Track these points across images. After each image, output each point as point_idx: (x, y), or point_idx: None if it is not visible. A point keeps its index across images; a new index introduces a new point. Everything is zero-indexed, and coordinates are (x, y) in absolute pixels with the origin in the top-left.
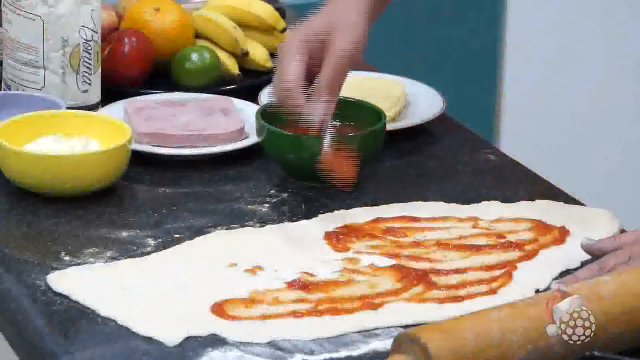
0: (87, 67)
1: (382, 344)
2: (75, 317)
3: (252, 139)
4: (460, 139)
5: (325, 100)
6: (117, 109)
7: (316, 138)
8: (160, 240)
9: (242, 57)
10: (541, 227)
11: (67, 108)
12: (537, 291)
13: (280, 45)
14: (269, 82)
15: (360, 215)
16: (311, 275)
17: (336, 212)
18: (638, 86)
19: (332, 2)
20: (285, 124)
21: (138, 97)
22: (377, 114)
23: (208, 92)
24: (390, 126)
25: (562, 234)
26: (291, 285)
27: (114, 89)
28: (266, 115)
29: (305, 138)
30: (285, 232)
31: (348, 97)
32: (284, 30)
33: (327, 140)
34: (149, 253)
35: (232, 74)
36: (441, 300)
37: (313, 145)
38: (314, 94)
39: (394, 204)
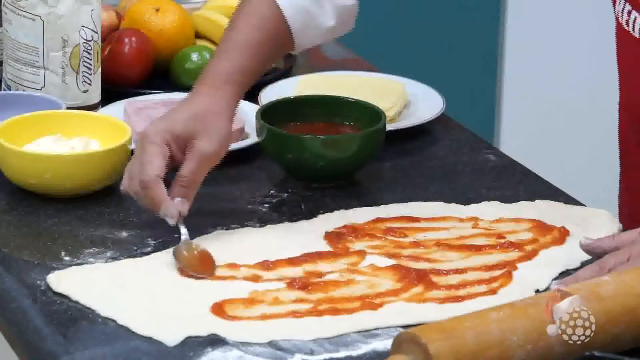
0: (87, 67)
1: (382, 344)
2: (75, 317)
3: (252, 139)
4: (460, 139)
5: (183, 195)
6: (117, 109)
7: (317, 138)
8: (160, 240)
9: None
10: (541, 227)
11: (67, 108)
12: (537, 291)
13: (143, 134)
14: (269, 82)
15: (360, 215)
16: (311, 275)
17: (336, 212)
18: None
19: (195, 102)
20: (285, 124)
21: (138, 97)
22: (377, 114)
23: None
24: (390, 126)
25: (562, 234)
26: (291, 285)
27: (114, 89)
28: (266, 115)
29: (305, 138)
30: (285, 232)
31: (348, 97)
32: None
33: (183, 233)
34: (149, 253)
35: None
36: (441, 300)
37: (313, 146)
38: (172, 189)
39: (394, 204)
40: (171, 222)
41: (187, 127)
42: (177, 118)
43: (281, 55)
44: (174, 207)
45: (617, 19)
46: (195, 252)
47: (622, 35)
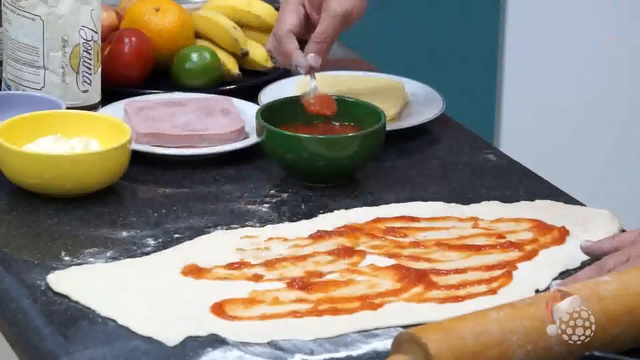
0: (87, 67)
1: (382, 344)
2: (75, 317)
3: (252, 139)
4: (460, 139)
5: (316, 51)
6: (117, 109)
7: (316, 138)
8: (160, 240)
9: (242, 57)
10: (541, 227)
11: (67, 108)
12: (537, 291)
13: None
14: (269, 82)
15: (360, 215)
16: (311, 275)
17: (336, 212)
18: (638, 86)
19: None
20: (285, 124)
21: (138, 97)
22: (377, 114)
23: (208, 92)
24: (390, 126)
25: (562, 234)
26: (291, 285)
27: (114, 89)
28: (266, 115)
29: (305, 138)
30: (285, 232)
31: (348, 97)
32: None
33: (312, 85)
34: (149, 253)
35: (232, 74)
36: (441, 300)
37: (313, 145)
38: (307, 46)
39: (394, 204)
40: (302, 71)
41: None
42: None
43: None
44: (303, 58)
45: None
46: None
47: None
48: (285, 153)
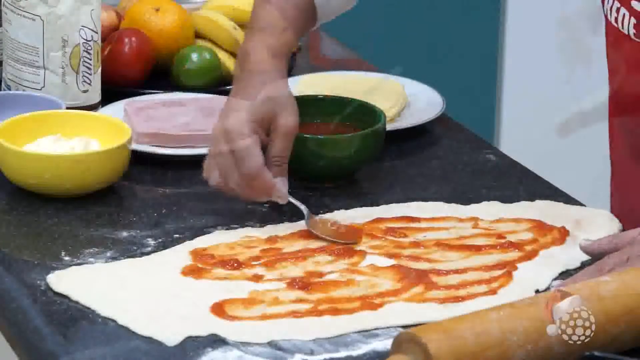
0: (87, 67)
1: (382, 344)
2: (75, 317)
3: None
4: (460, 139)
5: (281, 174)
6: (117, 109)
7: (316, 138)
8: (160, 240)
9: None
10: (541, 227)
11: (67, 108)
12: (537, 291)
13: (225, 130)
14: None
15: (360, 215)
16: (311, 275)
17: (336, 212)
18: None
19: (258, 81)
20: None
21: (138, 97)
22: (377, 114)
23: (208, 92)
24: (390, 126)
25: (562, 234)
26: (291, 285)
27: (114, 89)
28: None
29: (304, 138)
30: (285, 232)
31: (348, 97)
32: None
33: (303, 208)
34: (149, 253)
35: (232, 74)
36: (441, 300)
37: (312, 145)
38: (271, 168)
39: (394, 204)
40: (282, 201)
41: (268, 109)
42: (255, 104)
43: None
44: (284, 187)
45: (605, 17)
46: (333, 226)
47: (611, 31)
48: None
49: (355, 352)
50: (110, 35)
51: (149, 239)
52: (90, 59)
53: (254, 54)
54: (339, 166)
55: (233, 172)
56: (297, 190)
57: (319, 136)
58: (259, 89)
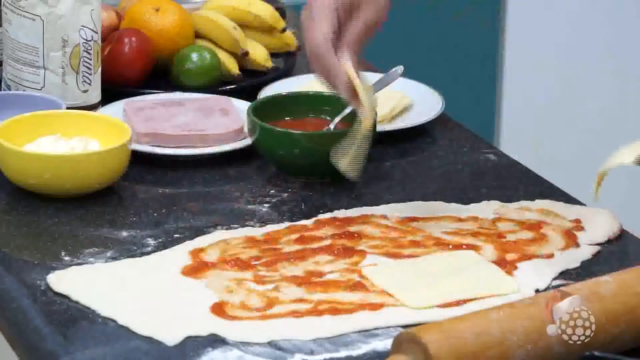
0: (87, 67)
1: (382, 344)
2: (75, 317)
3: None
4: (460, 139)
5: (350, 59)
6: (117, 109)
7: (305, 134)
8: (160, 240)
9: (242, 57)
10: (541, 227)
11: (67, 108)
12: (537, 291)
13: (312, 3)
14: (269, 81)
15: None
16: (311, 275)
17: (336, 212)
18: (638, 85)
19: None
20: (277, 121)
21: (138, 97)
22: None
23: (208, 92)
24: (390, 126)
25: (562, 234)
26: (291, 284)
27: (114, 89)
28: (258, 112)
29: (294, 134)
30: (285, 232)
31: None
32: (284, 30)
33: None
34: (149, 253)
35: (232, 74)
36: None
37: (302, 141)
38: (341, 50)
39: (393, 204)
40: (344, 91)
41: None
42: None
43: None
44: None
45: None
46: None
47: None
48: (276, 149)
49: (355, 352)
50: (110, 35)
51: (149, 239)
52: (90, 59)
53: None
54: (329, 161)
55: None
56: (297, 190)
57: (308, 132)
58: None
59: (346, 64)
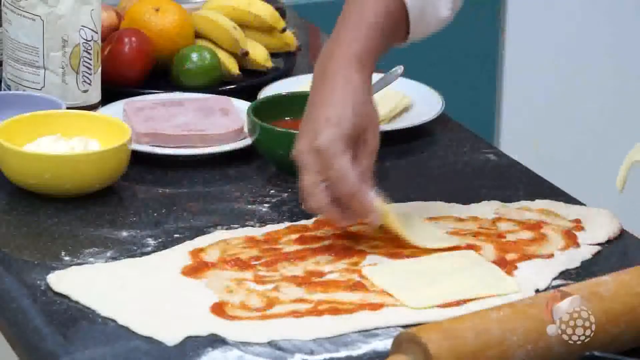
0: (87, 67)
1: (382, 344)
2: (75, 317)
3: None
4: (460, 139)
5: (370, 189)
6: (117, 109)
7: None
8: (160, 240)
9: (242, 57)
10: (541, 227)
11: (67, 108)
12: (537, 291)
13: (317, 148)
14: (269, 82)
15: None
16: (311, 275)
17: None
18: (638, 85)
19: (346, 91)
20: (277, 121)
21: (138, 97)
22: None
23: (208, 92)
24: (390, 126)
25: (562, 234)
26: (291, 284)
27: (114, 89)
28: (258, 112)
29: (294, 133)
30: (285, 232)
31: None
32: (284, 30)
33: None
34: (149, 253)
35: (232, 74)
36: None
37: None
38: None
39: (394, 204)
40: (378, 221)
41: (356, 126)
42: (343, 118)
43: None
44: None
45: None
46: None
47: None
48: (276, 149)
49: (355, 352)
50: (110, 35)
51: (149, 239)
52: (90, 59)
53: (339, 57)
54: None
55: (323, 194)
56: (297, 190)
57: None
58: (347, 99)
59: (376, 200)
